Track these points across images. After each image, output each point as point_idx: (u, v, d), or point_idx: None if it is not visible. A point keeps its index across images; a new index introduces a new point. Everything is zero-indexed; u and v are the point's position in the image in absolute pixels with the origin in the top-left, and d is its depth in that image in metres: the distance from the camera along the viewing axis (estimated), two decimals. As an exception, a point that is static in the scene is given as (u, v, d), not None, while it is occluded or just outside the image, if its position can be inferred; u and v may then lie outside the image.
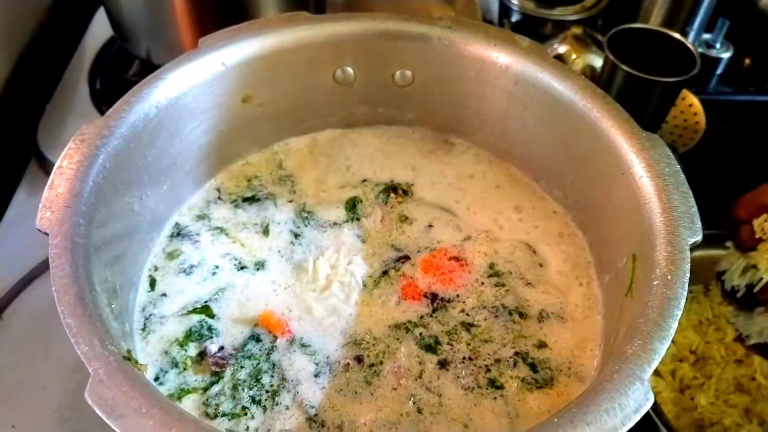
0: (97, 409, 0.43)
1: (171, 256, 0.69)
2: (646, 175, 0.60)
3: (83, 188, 0.56)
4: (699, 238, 0.55)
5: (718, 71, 1.19)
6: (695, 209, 0.57)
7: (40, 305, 0.83)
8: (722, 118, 1.06)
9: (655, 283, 0.52)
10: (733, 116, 1.11)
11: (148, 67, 1.00)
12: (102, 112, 1.00)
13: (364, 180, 0.78)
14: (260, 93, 0.74)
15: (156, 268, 0.68)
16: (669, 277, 0.52)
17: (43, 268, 0.84)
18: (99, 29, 1.17)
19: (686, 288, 0.51)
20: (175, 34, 0.97)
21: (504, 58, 0.71)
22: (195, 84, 0.68)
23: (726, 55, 1.18)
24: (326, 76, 0.77)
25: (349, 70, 0.77)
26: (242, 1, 0.91)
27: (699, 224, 0.56)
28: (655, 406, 0.66)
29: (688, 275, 0.52)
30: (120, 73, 1.09)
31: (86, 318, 0.47)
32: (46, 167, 0.96)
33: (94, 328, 0.47)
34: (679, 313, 0.50)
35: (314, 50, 0.74)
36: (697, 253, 0.74)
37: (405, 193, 0.77)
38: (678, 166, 0.60)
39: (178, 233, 0.71)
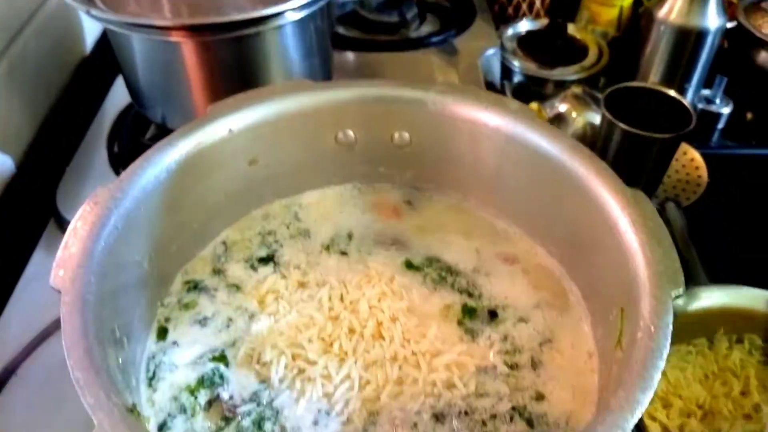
0: (100, 460, 0.45)
1: (187, 307, 0.72)
2: (630, 230, 0.62)
3: (95, 248, 0.59)
4: (681, 290, 0.57)
5: (720, 126, 1.21)
6: (678, 263, 0.59)
7: (54, 362, 0.84)
8: (725, 172, 1.09)
9: (639, 335, 0.54)
10: (736, 169, 1.13)
11: (164, 131, 1.04)
12: (119, 174, 1.04)
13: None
14: (266, 155, 0.78)
15: (168, 319, 0.71)
16: (652, 328, 0.54)
17: (57, 326, 0.87)
18: (118, 96, 1.22)
19: (669, 338, 0.53)
20: (189, 101, 1.02)
21: (495, 120, 0.75)
22: (203, 149, 0.72)
23: (726, 110, 1.21)
24: (329, 139, 0.81)
25: (350, 132, 0.81)
26: (252, 71, 0.96)
27: (682, 278, 0.58)
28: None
29: (671, 327, 0.54)
30: (137, 137, 1.14)
31: (93, 371, 0.50)
32: (64, 228, 0.99)
33: (101, 382, 0.49)
34: (662, 364, 0.51)
35: (317, 115, 0.78)
36: (700, 306, 0.77)
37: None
38: (661, 221, 0.62)
39: (195, 286, 0.75)
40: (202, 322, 0.71)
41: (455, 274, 0.77)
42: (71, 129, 1.17)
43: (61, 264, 0.58)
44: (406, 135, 0.81)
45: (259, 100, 0.76)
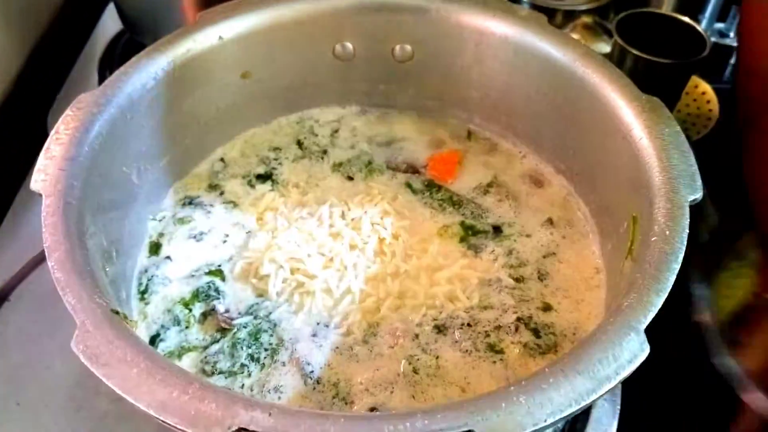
0: (82, 358, 0.43)
1: (182, 221, 0.70)
2: (645, 137, 0.59)
3: (78, 152, 0.56)
4: (699, 195, 0.53)
5: (733, 60, 1.17)
6: (695, 167, 0.55)
7: (47, 287, 0.83)
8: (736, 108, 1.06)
9: (653, 239, 0.51)
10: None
11: (155, 56, 1.01)
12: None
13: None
14: (259, 68, 0.75)
15: (161, 234, 0.69)
16: (667, 232, 0.51)
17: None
18: (109, 23, 1.19)
19: (684, 243, 0.50)
20: (181, 23, 0.97)
21: (503, 28, 0.71)
22: (192, 57, 0.68)
23: (739, 44, 1.16)
24: (326, 52, 0.77)
25: (349, 45, 0.77)
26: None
27: (699, 182, 0.54)
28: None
29: (687, 231, 0.51)
30: (129, 63, 1.10)
31: (75, 273, 0.47)
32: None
33: (83, 283, 0.47)
34: (677, 266, 0.48)
35: (313, 24, 0.74)
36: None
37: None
38: (678, 127, 0.59)
39: (190, 202, 0.72)
40: (198, 237, 0.69)
41: (458, 194, 0.74)
42: (61, 56, 1.14)
43: (43, 169, 0.55)
44: (408, 48, 0.77)
45: (251, 8, 0.71)
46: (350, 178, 0.76)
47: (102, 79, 1.08)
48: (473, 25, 0.72)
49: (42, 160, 0.55)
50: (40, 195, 0.53)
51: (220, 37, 0.69)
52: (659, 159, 0.56)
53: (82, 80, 1.10)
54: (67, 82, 1.09)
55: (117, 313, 0.47)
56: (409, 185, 0.75)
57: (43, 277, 0.85)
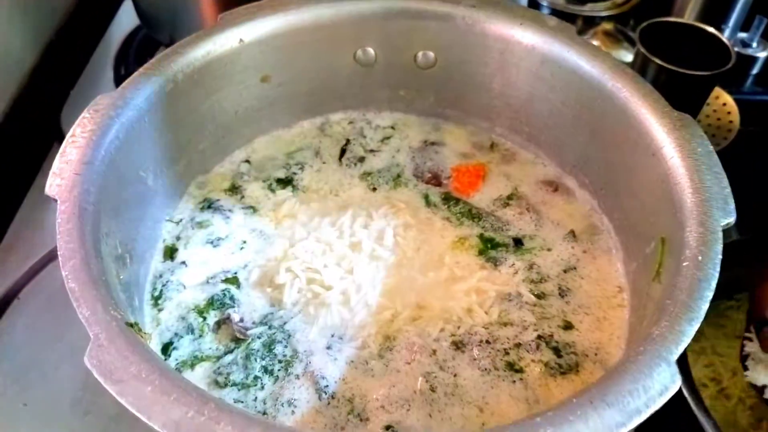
0: (95, 373, 0.42)
1: (200, 225, 0.69)
2: (677, 155, 0.57)
3: (95, 156, 0.55)
4: (732, 219, 0.52)
5: (754, 71, 1.15)
6: (728, 190, 0.54)
7: (56, 287, 0.82)
8: (757, 119, 1.03)
9: (684, 264, 0.49)
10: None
11: (172, 53, 1.00)
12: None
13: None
14: (279, 72, 0.74)
15: (178, 238, 0.68)
16: (700, 258, 0.49)
17: (60, 250, 0.84)
18: (125, 19, 1.18)
19: (718, 269, 0.48)
20: (198, 20, 0.97)
21: (530, 38, 0.69)
22: (213, 59, 0.67)
23: (762, 55, 1.15)
24: (347, 57, 0.76)
25: (370, 50, 0.75)
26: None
27: (732, 205, 0.53)
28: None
29: (720, 256, 0.49)
30: (144, 59, 1.07)
31: (90, 283, 0.46)
32: (68, 151, 0.97)
33: (98, 294, 0.46)
34: (710, 294, 0.47)
35: (335, 29, 0.72)
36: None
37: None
38: (711, 147, 0.57)
39: (209, 206, 0.71)
40: (215, 243, 0.68)
41: (477, 207, 0.72)
42: (77, 51, 1.13)
43: (58, 173, 0.53)
44: (431, 55, 0.75)
45: (272, 11, 0.70)
46: (374, 189, 0.74)
47: (117, 75, 1.08)
48: (499, 33, 0.71)
49: (57, 164, 0.54)
50: (56, 200, 0.52)
51: (241, 40, 0.68)
52: (691, 179, 0.55)
53: (97, 76, 1.09)
54: (82, 78, 1.08)
55: (131, 326, 0.46)
56: (426, 198, 0.73)
57: (52, 276, 0.84)
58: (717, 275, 0.48)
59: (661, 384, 0.42)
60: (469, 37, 0.72)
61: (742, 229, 0.81)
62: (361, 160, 0.77)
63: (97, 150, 0.55)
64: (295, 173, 0.75)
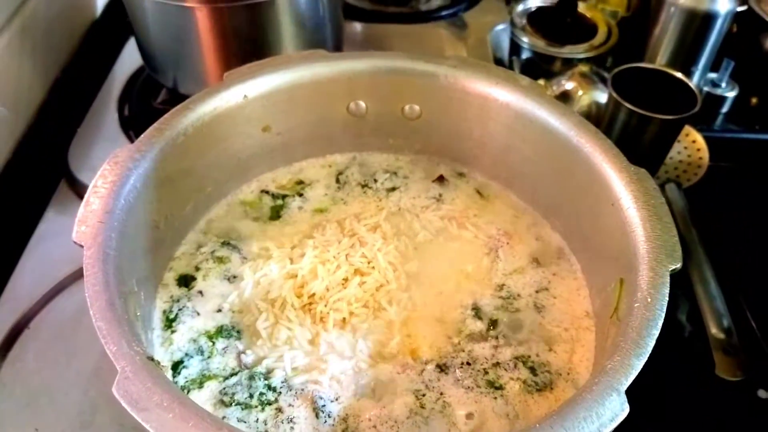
0: (123, 403, 0.48)
1: (221, 261, 0.75)
2: (632, 206, 0.64)
3: (116, 206, 0.61)
4: (679, 264, 0.59)
5: (724, 110, 1.21)
6: (677, 238, 0.61)
7: (65, 316, 0.87)
8: (727, 155, 1.09)
9: (636, 305, 0.56)
10: (738, 154, 1.13)
11: (175, 96, 1.06)
12: (129, 137, 1.06)
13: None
14: (279, 123, 0.80)
15: (198, 268, 0.74)
16: (649, 299, 0.56)
17: (69, 281, 0.89)
18: (129, 59, 1.23)
19: (664, 310, 0.55)
20: (201, 66, 1.03)
21: (504, 95, 0.77)
22: (219, 114, 0.74)
23: (731, 94, 1.20)
24: (341, 109, 0.83)
25: (362, 103, 0.82)
26: (265, 39, 0.97)
27: (680, 252, 0.60)
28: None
29: (667, 298, 0.56)
30: (147, 100, 1.15)
31: (115, 322, 0.52)
32: (75, 187, 1.02)
33: (122, 331, 0.52)
34: (656, 332, 0.54)
35: (330, 85, 0.80)
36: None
37: None
38: (663, 199, 0.64)
39: (227, 242, 0.77)
40: (231, 279, 0.74)
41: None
42: (82, 91, 1.18)
43: (84, 220, 0.60)
44: (417, 108, 0.83)
45: (274, 68, 0.77)
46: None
47: (121, 114, 1.13)
48: (477, 91, 0.78)
49: (82, 212, 0.60)
50: (81, 246, 0.58)
51: (245, 96, 0.75)
52: (644, 228, 0.62)
53: (102, 114, 1.13)
54: (88, 116, 1.13)
55: (152, 359, 0.52)
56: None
57: (61, 307, 0.89)
58: (663, 315, 0.55)
59: (612, 411, 0.49)
60: (451, 93, 0.79)
61: (714, 261, 0.89)
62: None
63: (117, 199, 0.62)
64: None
